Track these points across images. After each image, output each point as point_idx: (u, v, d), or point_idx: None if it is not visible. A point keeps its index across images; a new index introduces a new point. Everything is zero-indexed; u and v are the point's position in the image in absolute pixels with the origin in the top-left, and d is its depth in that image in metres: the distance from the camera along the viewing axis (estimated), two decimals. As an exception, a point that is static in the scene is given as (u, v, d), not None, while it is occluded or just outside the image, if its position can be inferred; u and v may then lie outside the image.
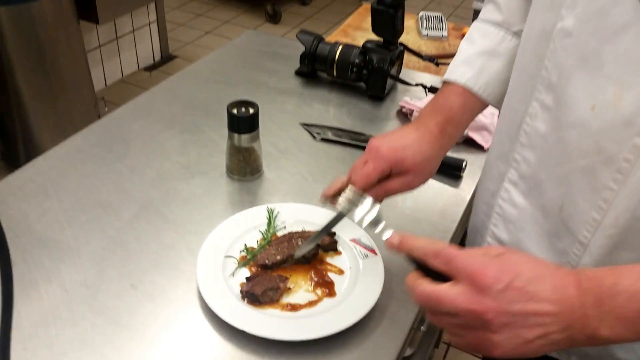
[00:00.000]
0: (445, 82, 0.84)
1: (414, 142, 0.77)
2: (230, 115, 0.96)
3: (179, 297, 0.79)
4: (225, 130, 0.98)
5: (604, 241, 0.63)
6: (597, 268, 0.55)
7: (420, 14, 1.75)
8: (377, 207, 0.72)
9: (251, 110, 0.97)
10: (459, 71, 0.82)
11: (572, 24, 0.61)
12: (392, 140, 0.76)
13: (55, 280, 0.81)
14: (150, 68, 3.23)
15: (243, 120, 0.96)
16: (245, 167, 1.01)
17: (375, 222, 0.70)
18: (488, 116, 1.17)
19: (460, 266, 0.53)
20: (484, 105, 0.83)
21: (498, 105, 0.82)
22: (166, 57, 3.33)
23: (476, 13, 2.58)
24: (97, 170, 1.01)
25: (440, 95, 0.83)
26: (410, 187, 0.78)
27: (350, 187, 0.74)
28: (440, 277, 0.55)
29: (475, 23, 0.86)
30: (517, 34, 0.80)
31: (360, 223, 0.72)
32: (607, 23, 0.57)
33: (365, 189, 0.75)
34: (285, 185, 1.02)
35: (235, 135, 0.97)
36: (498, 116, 0.81)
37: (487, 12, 0.84)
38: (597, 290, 0.51)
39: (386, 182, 0.76)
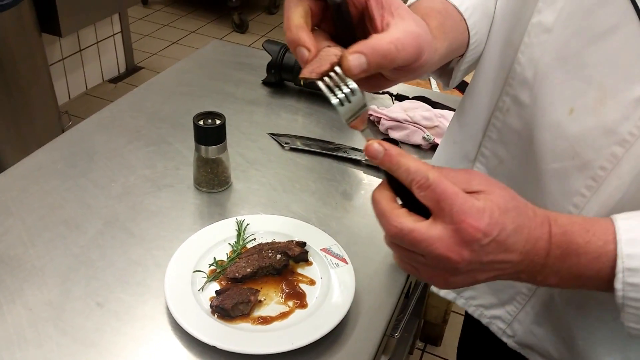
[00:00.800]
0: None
1: None
2: (196, 127, 0.95)
3: (146, 314, 0.78)
4: (192, 142, 0.97)
5: None
6: (572, 220, 0.52)
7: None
8: (365, 100, 0.52)
9: (218, 122, 0.96)
10: None
11: (551, 20, 0.57)
12: None
13: (18, 301, 0.78)
14: (115, 80, 3.18)
15: (210, 132, 0.95)
16: (213, 179, 0.99)
17: (357, 110, 0.51)
18: (454, 122, 1.18)
19: (450, 211, 0.46)
20: (464, 31, 0.64)
21: (475, 41, 0.66)
22: (131, 69, 3.29)
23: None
24: (60, 187, 0.99)
25: None
26: (418, 43, 0.51)
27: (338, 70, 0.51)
28: (413, 200, 0.49)
29: None
30: None
31: (342, 111, 0.52)
32: (593, 23, 0.54)
33: None
34: (255, 197, 1.01)
35: (202, 147, 0.96)
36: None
37: None
38: (566, 246, 0.50)
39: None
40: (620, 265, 0.48)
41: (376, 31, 0.51)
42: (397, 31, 0.50)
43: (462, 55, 0.67)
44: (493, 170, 0.69)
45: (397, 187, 0.50)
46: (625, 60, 0.53)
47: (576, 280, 0.51)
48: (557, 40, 0.57)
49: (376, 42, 0.49)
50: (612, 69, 0.54)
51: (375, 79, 0.55)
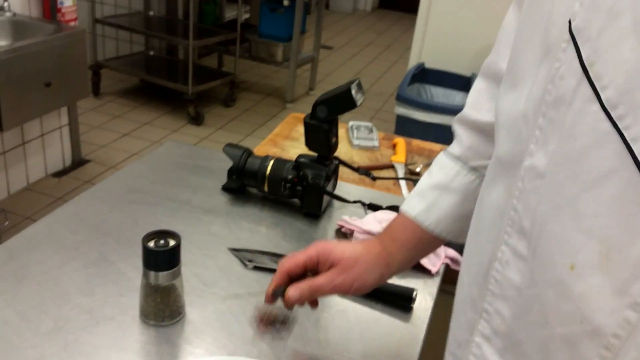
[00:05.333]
0: (399, 213, 0.83)
1: (348, 243, 0.80)
2: (146, 250, 0.81)
3: None
4: (139, 261, 0.83)
5: None
6: None
7: (350, 123, 1.71)
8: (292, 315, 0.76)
9: (172, 243, 0.82)
10: (411, 203, 0.82)
11: (544, 164, 0.51)
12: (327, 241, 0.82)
13: None
14: (59, 174, 3.00)
15: (161, 256, 0.81)
16: (163, 310, 0.84)
17: None
18: (434, 236, 1.09)
19: None
20: (438, 240, 0.81)
21: (461, 240, 0.73)
22: (78, 162, 3.12)
23: (399, 118, 2.59)
24: (-23, 320, 0.82)
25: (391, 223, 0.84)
26: (335, 286, 0.76)
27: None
28: None
29: (440, 153, 0.83)
30: (475, 170, 0.78)
31: None
32: (586, 168, 0.48)
33: (292, 276, 0.78)
34: (213, 330, 0.86)
35: (152, 273, 0.82)
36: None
37: (452, 144, 0.82)
38: None
39: (312, 277, 0.77)
40: None
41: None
42: (313, 280, 0.78)
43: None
44: (497, 329, 0.60)
45: None
46: (625, 210, 0.46)
47: None
48: (552, 186, 0.51)
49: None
50: (613, 219, 0.47)
51: None
